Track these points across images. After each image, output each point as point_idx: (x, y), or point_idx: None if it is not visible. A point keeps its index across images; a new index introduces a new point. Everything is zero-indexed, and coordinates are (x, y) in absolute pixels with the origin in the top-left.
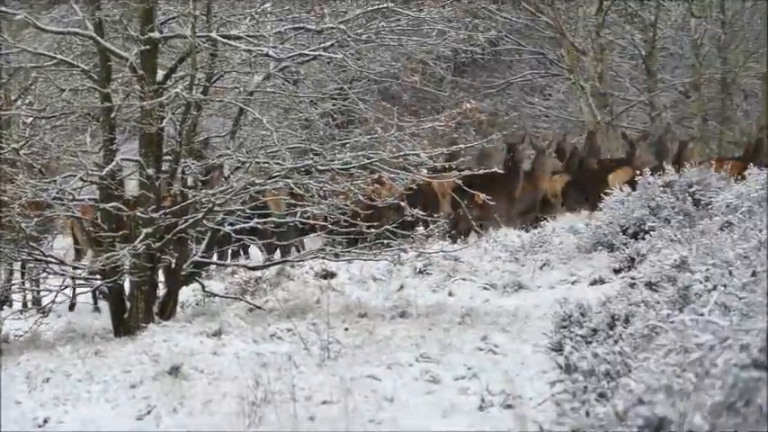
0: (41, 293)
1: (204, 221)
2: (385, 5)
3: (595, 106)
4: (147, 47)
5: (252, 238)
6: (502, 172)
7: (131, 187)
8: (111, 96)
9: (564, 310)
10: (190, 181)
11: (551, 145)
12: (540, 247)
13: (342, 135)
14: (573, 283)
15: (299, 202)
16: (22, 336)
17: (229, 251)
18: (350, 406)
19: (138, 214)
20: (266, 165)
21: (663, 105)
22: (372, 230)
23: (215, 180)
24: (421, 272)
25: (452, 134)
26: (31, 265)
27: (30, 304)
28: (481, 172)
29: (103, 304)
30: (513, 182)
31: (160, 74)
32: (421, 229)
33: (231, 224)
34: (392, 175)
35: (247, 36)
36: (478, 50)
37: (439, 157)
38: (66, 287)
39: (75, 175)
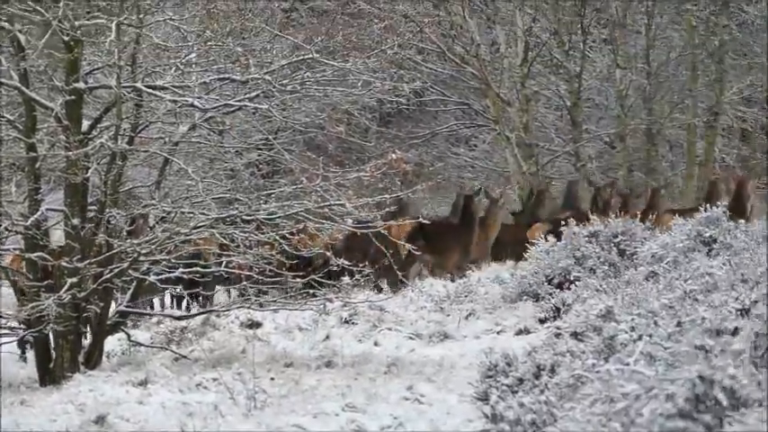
0: None
1: (130, 271)
2: (310, 56)
3: (521, 157)
4: (73, 97)
5: (177, 287)
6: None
7: (57, 237)
8: (37, 146)
9: (490, 360)
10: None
11: (503, 195)
12: (466, 296)
13: (267, 185)
14: (498, 332)
15: (225, 252)
16: None
17: (157, 300)
18: None
19: (64, 264)
20: (191, 215)
21: (588, 156)
22: (298, 280)
23: (140, 230)
24: (347, 322)
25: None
26: None
27: None
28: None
29: (31, 353)
30: (469, 232)
31: (85, 124)
32: (347, 279)
33: (157, 273)
34: (317, 225)
35: (172, 86)
36: (404, 101)
37: (365, 208)
38: None
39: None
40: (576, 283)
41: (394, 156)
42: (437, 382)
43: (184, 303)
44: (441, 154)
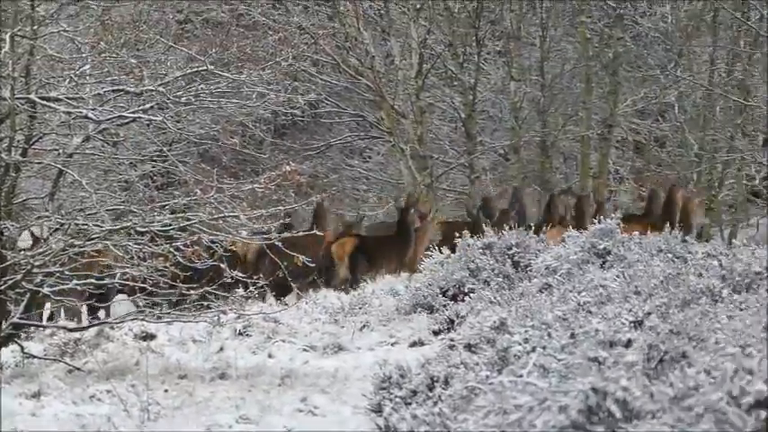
0: None
1: (23, 283)
2: (204, 68)
3: (415, 168)
4: None
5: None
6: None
7: None
8: None
9: (383, 372)
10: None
11: (431, 208)
12: (360, 308)
13: (161, 197)
14: (392, 344)
15: (119, 264)
16: None
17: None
18: None
19: None
20: (85, 226)
21: (483, 168)
22: (192, 292)
23: (34, 242)
24: (241, 333)
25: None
26: None
27: None
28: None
29: None
30: (405, 244)
31: None
32: (240, 291)
33: (51, 285)
34: (212, 237)
35: (67, 98)
36: (298, 113)
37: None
38: None
39: None
40: (471, 294)
41: (288, 167)
42: (331, 394)
43: (84, 315)
44: (335, 166)
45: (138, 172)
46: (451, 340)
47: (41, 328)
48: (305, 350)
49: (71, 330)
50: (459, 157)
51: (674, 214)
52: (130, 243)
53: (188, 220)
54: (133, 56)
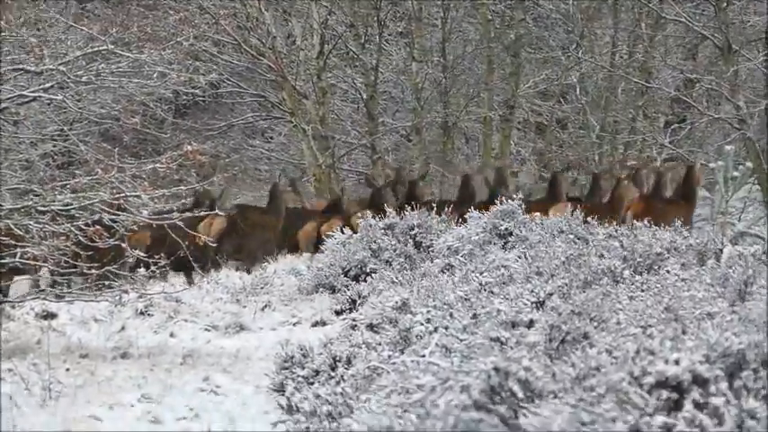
0: None
1: None
2: (105, 48)
3: (317, 149)
4: None
5: None
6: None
7: None
8: None
9: (286, 352)
10: None
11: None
12: (262, 288)
13: (63, 176)
14: (295, 324)
15: (20, 243)
16: None
17: None
18: None
19: None
20: None
21: (385, 148)
22: (94, 271)
23: None
24: (142, 313)
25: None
26: None
27: None
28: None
29: None
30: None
31: None
32: (142, 270)
33: None
34: (113, 217)
35: None
36: (199, 93)
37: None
38: None
39: None
40: (373, 275)
41: (189, 147)
42: (233, 374)
43: None
44: (237, 146)
45: (39, 151)
46: (354, 320)
47: None
48: (207, 330)
49: None
50: (361, 138)
51: (695, 195)
52: (31, 222)
53: (89, 199)
54: (33, 35)
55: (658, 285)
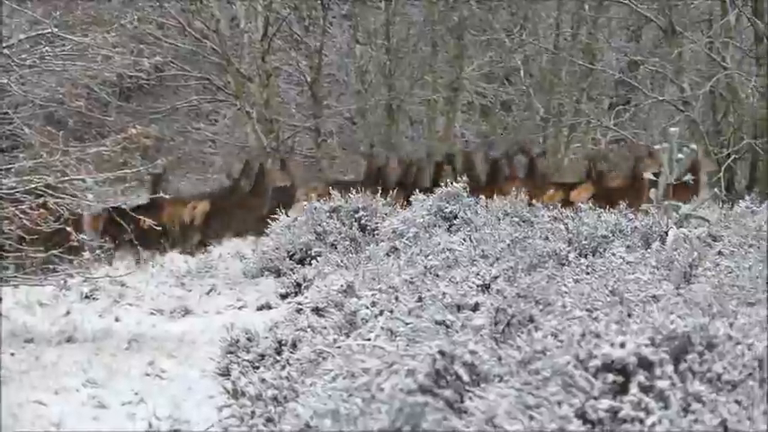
0: None
1: None
2: (49, 31)
3: (262, 132)
4: None
5: None
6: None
7: None
8: None
9: (231, 336)
10: None
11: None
12: (207, 272)
13: (7, 160)
14: (240, 308)
15: None
16: None
17: None
18: None
19: None
20: None
21: (329, 131)
22: (39, 255)
23: None
24: (87, 297)
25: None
26: None
27: None
28: None
29: None
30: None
31: None
32: (87, 254)
33: None
34: (57, 200)
35: None
36: (144, 76)
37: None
38: None
39: None
40: (318, 258)
41: (134, 130)
42: (179, 358)
43: None
44: (182, 129)
45: None
46: (299, 304)
47: None
48: (152, 314)
49: None
50: (305, 121)
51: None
52: None
53: (34, 183)
54: None
55: (603, 268)
